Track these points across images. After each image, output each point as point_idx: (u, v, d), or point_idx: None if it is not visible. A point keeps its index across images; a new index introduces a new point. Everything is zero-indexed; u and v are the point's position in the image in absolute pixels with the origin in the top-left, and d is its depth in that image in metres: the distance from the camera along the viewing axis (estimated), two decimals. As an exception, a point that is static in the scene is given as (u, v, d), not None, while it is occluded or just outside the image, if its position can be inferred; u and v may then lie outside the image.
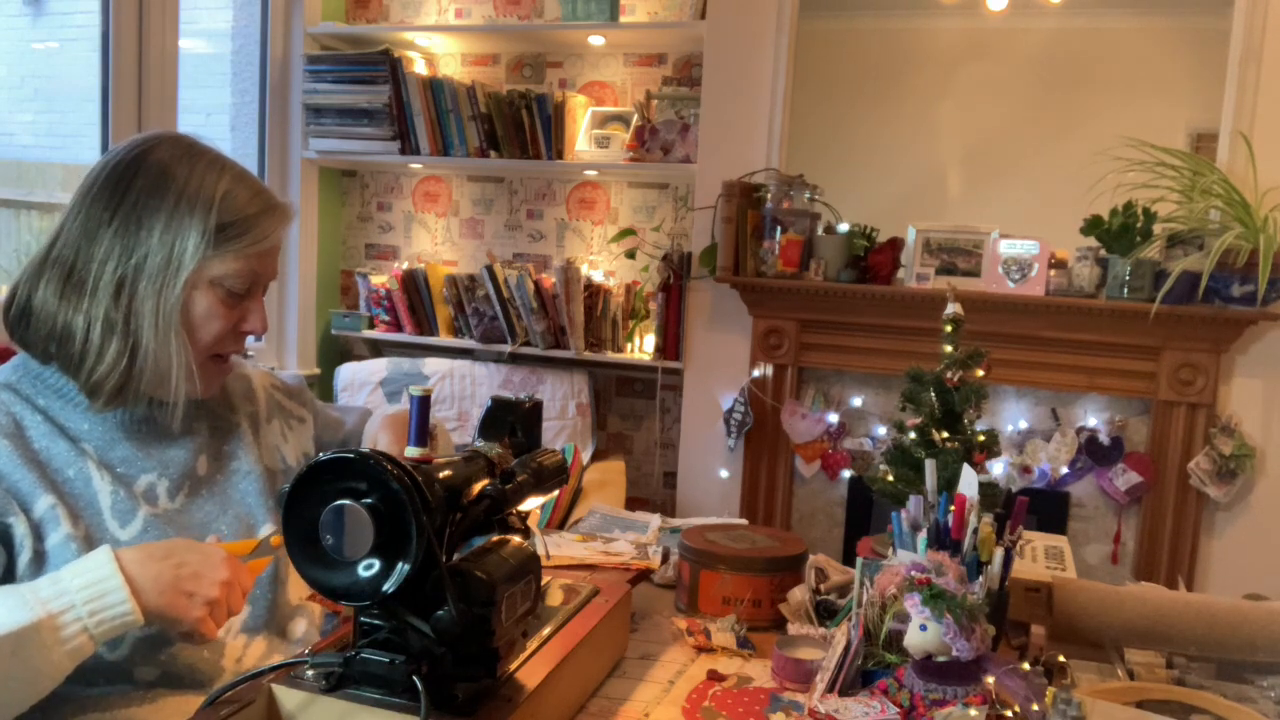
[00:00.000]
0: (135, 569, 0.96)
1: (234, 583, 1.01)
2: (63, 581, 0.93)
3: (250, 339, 1.22)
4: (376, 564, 0.83)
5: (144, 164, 1.11)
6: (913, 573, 1.01)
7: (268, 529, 1.21)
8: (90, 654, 0.94)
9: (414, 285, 3.34)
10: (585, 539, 1.64)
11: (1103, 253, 2.60)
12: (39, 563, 1.03)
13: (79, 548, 1.03)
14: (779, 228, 2.85)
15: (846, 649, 1.08)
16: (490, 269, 3.16)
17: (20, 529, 1.02)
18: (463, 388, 3.28)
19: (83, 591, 0.93)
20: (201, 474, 1.20)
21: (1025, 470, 2.77)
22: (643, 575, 1.49)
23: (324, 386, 3.49)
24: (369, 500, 0.83)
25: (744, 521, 1.60)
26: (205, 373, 1.16)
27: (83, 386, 1.10)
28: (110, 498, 1.09)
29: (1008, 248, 2.66)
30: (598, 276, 3.24)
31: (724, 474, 3.07)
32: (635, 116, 3.18)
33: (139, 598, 0.94)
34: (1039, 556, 1.50)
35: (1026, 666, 1.03)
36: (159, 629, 1.06)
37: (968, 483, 1.14)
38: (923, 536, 1.14)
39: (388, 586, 0.83)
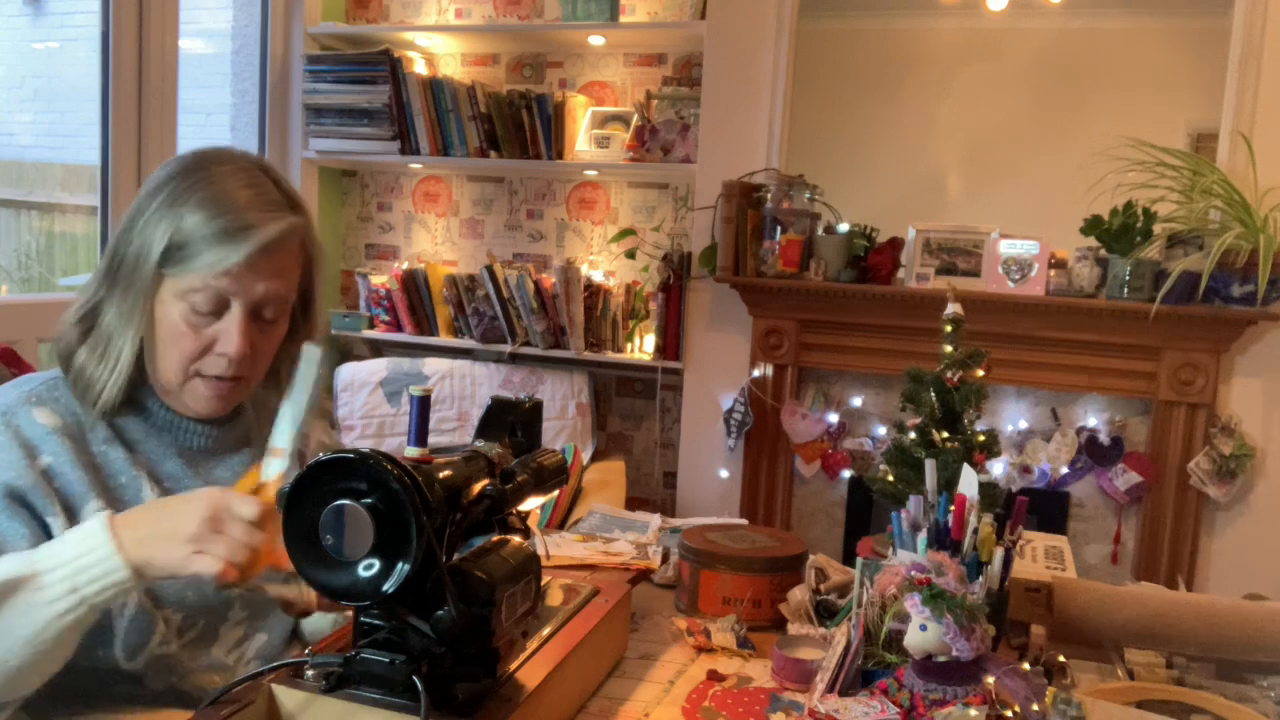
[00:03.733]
0: (121, 529, 0.96)
1: (216, 512, 0.95)
2: (54, 545, 0.96)
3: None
4: (376, 564, 0.83)
5: (155, 174, 1.13)
6: (913, 573, 1.01)
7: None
8: (86, 616, 0.95)
9: (414, 285, 3.34)
10: (585, 539, 1.64)
11: (1103, 253, 2.60)
12: None
13: None
14: (779, 228, 2.85)
15: (846, 649, 1.08)
16: (490, 269, 3.16)
17: (59, 530, 1.03)
18: (463, 388, 3.28)
19: (72, 548, 0.94)
20: None
21: (1025, 470, 2.76)
22: (643, 575, 1.49)
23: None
24: (369, 500, 0.83)
25: (744, 521, 1.60)
26: (194, 392, 1.13)
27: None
28: None
29: (1008, 248, 2.66)
30: (598, 276, 3.24)
31: (724, 474, 3.07)
32: (635, 116, 3.18)
33: (124, 551, 0.94)
34: (1039, 556, 1.50)
35: (1026, 666, 1.03)
36: (178, 647, 1.08)
37: (968, 483, 1.14)
38: (923, 536, 1.14)
39: (388, 586, 0.83)
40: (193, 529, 0.94)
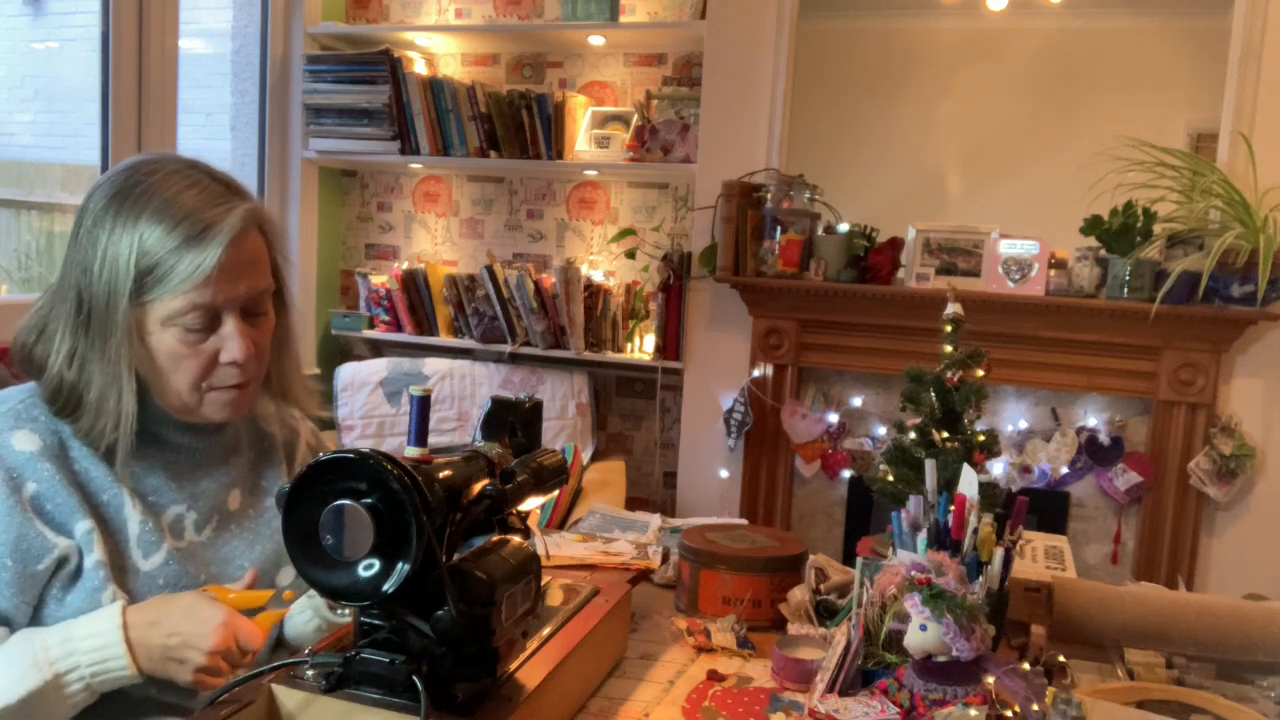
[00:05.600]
0: (137, 634, 1.01)
1: (228, 648, 1.02)
2: (73, 641, 1.00)
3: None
4: (376, 564, 0.83)
5: (89, 205, 1.09)
6: (913, 573, 1.00)
7: (290, 571, 1.21)
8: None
9: (414, 285, 3.34)
10: (585, 539, 1.64)
11: (1103, 253, 2.60)
12: (76, 576, 1.06)
13: (106, 574, 1.06)
14: (779, 228, 2.85)
15: (846, 649, 1.08)
16: (490, 269, 3.16)
17: (63, 555, 1.05)
18: (463, 388, 3.28)
19: (89, 654, 1.00)
20: (233, 509, 1.21)
21: (1025, 470, 2.76)
22: (643, 575, 1.49)
23: (324, 387, 3.49)
24: (369, 500, 0.82)
25: (744, 521, 1.60)
26: (213, 404, 1.13)
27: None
28: (138, 527, 1.10)
29: (1008, 248, 2.66)
30: (598, 276, 3.24)
31: (724, 474, 3.06)
32: (635, 116, 3.18)
33: (138, 663, 1.01)
34: (1039, 556, 1.50)
35: (1026, 666, 1.03)
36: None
37: (968, 483, 1.13)
38: (923, 536, 1.13)
39: (388, 586, 0.83)
40: (203, 661, 1.01)
